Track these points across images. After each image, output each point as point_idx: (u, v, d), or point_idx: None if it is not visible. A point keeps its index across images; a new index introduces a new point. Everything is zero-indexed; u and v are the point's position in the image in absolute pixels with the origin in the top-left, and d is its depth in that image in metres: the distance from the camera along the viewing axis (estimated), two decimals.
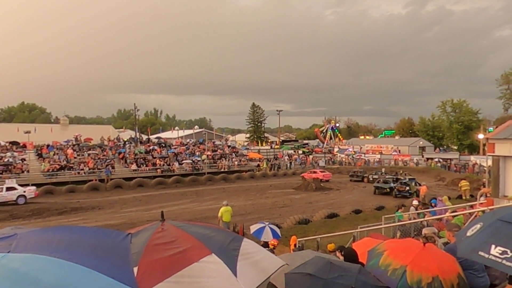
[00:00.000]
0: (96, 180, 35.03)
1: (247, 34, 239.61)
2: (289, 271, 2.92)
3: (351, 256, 4.66)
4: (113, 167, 38.29)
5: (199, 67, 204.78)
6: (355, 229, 11.83)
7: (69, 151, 39.38)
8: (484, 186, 19.42)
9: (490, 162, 8.79)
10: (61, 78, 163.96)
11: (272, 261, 2.36)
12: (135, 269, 1.87)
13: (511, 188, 7.48)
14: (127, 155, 41.48)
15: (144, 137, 52.92)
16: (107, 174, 36.10)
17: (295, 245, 11.64)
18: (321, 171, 42.31)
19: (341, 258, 5.34)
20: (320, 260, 2.96)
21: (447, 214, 11.19)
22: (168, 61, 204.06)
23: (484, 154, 36.11)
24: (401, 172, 41.88)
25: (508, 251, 2.19)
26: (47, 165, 35.81)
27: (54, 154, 38.29)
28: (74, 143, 42.14)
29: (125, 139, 47.91)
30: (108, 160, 39.30)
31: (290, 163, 53.98)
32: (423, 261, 3.04)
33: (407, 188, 29.17)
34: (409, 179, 32.11)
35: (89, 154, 39.52)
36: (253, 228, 12.70)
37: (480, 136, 38.20)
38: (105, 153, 41.40)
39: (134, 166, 39.78)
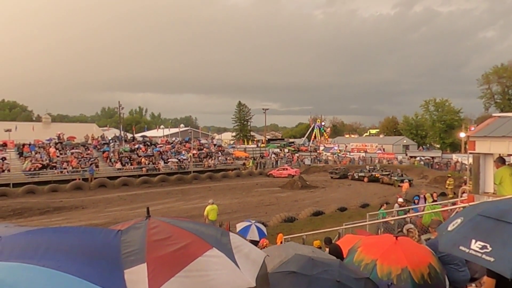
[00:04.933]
0: (79, 179, 34.47)
1: (236, 33, 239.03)
2: (272, 271, 2.95)
3: (336, 252, 4.74)
4: (97, 166, 37.74)
5: (185, 65, 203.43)
6: (340, 226, 11.95)
7: (52, 149, 38.62)
8: (465, 184, 19.85)
9: (471, 160, 8.99)
10: (43, 75, 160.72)
11: (257, 253, 2.40)
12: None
13: (491, 185, 7.67)
14: (112, 154, 40.94)
15: (129, 135, 52.28)
16: (91, 173, 35.55)
17: (281, 243, 11.70)
18: (291, 168, 45.62)
19: (327, 250, 5.43)
20: (301, 257, 3.00)
21: (427, 211, 11.43)
22: (154, 59, 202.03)
23: (465, 152, 36.89)
24: (397, 170, 42.37)
25: (488, 245, 2.25)
26: (28, 164, 35.06)
27: (36, 153, 37.50)
28: (56, 141, 41.31)
29: (110, 138, 47.28)
30: (92, 159, 38.71)
31: (276, 161, 54.13)
32: (393, 254, 3.11)
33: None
34: (401, 174, 38.01)
35: (72, 153, 38.83)
36: (239, 226, 12.70)
37: (462, 134, 39.08)
38: (89, 151, 40.76)
39: (118, 165, 39.30)
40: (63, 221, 21.29)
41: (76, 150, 39.74)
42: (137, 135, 54.43)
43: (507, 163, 7.62)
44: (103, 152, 41.24)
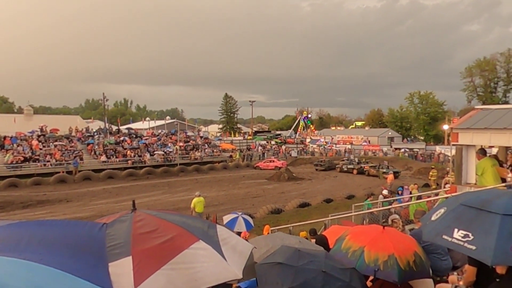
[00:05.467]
0: (63, 172, 33.93)
1: (223, 24, 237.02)
2: (259, 262, 2.96)
3: (322, 242, 4.79)
4: (81, 159, 37.20)
5: (172, 57, 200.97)
6: (326, 217, 12.08)
7: (34, 142, 37.81)
8: (448, 175, 20.27)
9: (454, 152, 9.16)
10: (25, 66, 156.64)
11: (245, 245, 2.42)
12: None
13: (473, 176, 7.83)
14: (96, 146, 40.37)
15: (114, 128, 51.57)
16: (75, 166, 35.01)
17: (268, 234, 11.76)
18: (277, 160, 45.98)
19: (313, 241, 5.49)
20: (287, 249, 3.03)
21: (411, 202, 11.64)
22: (140, 51, 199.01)
23: (448, 144, 37.60)
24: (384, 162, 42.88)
25: (470, 234, 2.30)
26: (10, 157, 34.29)
27: (18, 146, 36.68)
28: (39, 134, 40.45)
29: (94, 130, 46.55)
30: (76, 152, 38.10)
31: (263, 153, 54.22)
32: (380, 241, 3.19)
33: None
34: (388, 166, 38.02)
35: (55, 146, 38.13)
36: (226, 218, 12.71)
37: (445, 126, 39.77)
38: (72, 144, 40.07)
39: (103, 158, 38.79)
40: (47, 214, 20.97)
41: (60, 143, 39.03)
42: (122, 127, 53.71)
43: (488, 154, 7.79)
44: (88, 144, 40.63)
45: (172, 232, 2.02)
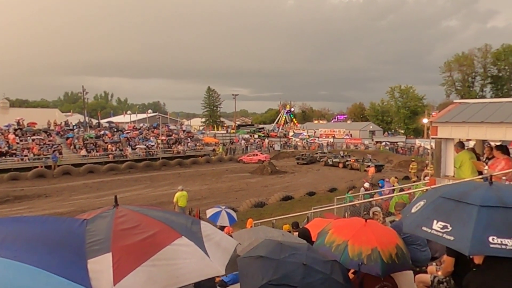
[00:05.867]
0: (42, 166, 33.15)
1: (206, 17, 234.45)
2: (242, 256, 2.97)
3: (305, 235, 4.83)
4: (60, 153, 36.37)
5: (154, 49, 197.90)
6: (309, 210, 12.19)
7: (11, 136, 36.71)
8: (427, 167, 20.70)
9: (433, 145, 9.35)
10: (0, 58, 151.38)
11: (229, 241, 2.42)
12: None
13: (451, 168, 8.02)
14: (76, 140, 39.55)
15: (94, 121, 50.61)
16: (54, 160, 34.25)
17: (251, 227, 11.80)
18: (261, 154, 46.21)
19: (296, 234, 5.53)
20: (270, 242, 3.04)
21: (394, 194, 11.87)
22: (121, 42, 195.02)
23: (428, 137, 38.42)
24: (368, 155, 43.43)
25: (448, 225, 2.35)
26: None
27: None
28: (16, 127, 39.29)
29: (74, 124, 45.56)
30: (55, 146, 37.21)
31: (246, 147, 54.20)
32: (363, 235, 3.23)
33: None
34: (370, 159, 38.88)
35: (33, 140, 37.13)
36: (210, 212, 12.70)
37: (425, 120, 40.57)
38: (51, 138, 39.13)
39: (83, 152, 38.05)
40: (25, 210, 20.48)
41: (38, 137, 38.03)
42: (103, 121, 52.74)
43: (466, 147, 7.98)
44: (67, 138, 39.76)
45: (154, 228, 2.00)
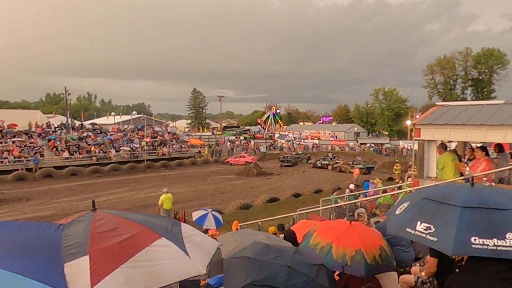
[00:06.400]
0: (22, 169, 32.39)
1: (191, 18, 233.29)
2: (228, 257, 2.95)
3: (290, 237, 4.82)
4: (42, 155, 35.59)
5: (138, 50, 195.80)
6: (294, 212, 12.21)
7: None
8: (411, 168, 21.00)
9: (416, 146, 9.48)
10: None
11: (210, 242, 2.41)
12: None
13: (434, 170, 8.13)
14: (58, 142, 38.79)
15: (77, 123, 49.77)
16: (36, 163, 33.50)
17: (236, 230, 11.74)
18: (248, 155, 46.49)
19: (281, 236, 5.52)
20: (258, 244, 3.04)
21: (378, 195, 11.98)
22: (105, 43, 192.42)
23: (411, 139, 39.04)
24: (357, 157, 43.68)
25: (431, 226, 2.37)
26: None
27: None
28: None
29: (56, 125, 44.71)
30: (36, 148, 36.41)
31: (232, 149, 54.09)
32: (347, 237, 3.25)
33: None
34: (359, 162, 38.98)
35: (13, 142, 36.26)
36: (196, 215, 12.56)
37: (408, 122, 41.18)
38: (32, 140, 38.30)
39: (66, 154, 37.33)
40: (5, 214, 19.96)
41: (18, 139, 37.17)
42: (86, 123, 51.93)
43: (448, 149, 8.11)
44: (49, 140, 38.98)
45: (133, 230, 1.98)
